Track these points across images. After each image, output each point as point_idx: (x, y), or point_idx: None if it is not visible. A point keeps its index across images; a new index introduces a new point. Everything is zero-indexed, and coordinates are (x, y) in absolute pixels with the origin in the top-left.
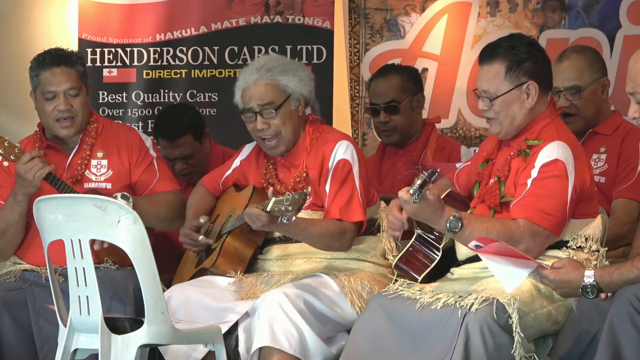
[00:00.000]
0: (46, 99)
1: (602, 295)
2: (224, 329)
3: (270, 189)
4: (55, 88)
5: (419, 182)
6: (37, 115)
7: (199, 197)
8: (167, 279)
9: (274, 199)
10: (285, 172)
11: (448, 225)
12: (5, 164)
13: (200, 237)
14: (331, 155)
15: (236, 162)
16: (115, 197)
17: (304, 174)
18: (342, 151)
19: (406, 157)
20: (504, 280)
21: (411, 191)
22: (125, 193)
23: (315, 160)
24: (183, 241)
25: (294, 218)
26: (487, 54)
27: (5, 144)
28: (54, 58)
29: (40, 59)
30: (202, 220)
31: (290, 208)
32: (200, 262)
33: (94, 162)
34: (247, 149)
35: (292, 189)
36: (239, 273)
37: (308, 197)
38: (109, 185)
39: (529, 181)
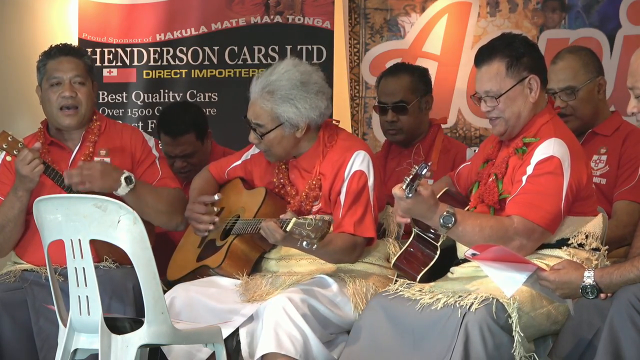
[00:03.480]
0: (51, 85)
1: (602, 296)
2: (229, 330)
3: (289, 211)
4: (62, 74)
5: (410, 176)
6: (38, 114)
7: (203, 181)
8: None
9: (294, 219)
10: (297, 174)
11: (442, 220)
12: (8, 158)
13: (215, 209)
14: (348, 165)
15: (246, 155)
16: (122, 174)
17: (318, 181)
18: (359, 162)
19: (411, 157)
20: (503, 285)
21: (403, 186)
22: (130, 176)
23: (330, 168)
24: (189, 216)
25: (315, 246)
26: (485, 55)
27: (9, 138)
28: (62, 49)
29: (48, 50)
30: (216, 197)
31: (312, 235)
32: (202, 257)
33: (96, 159)
34: None
35: (306, 196)
36: (244, 275)
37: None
38: None
39: (524, 178)
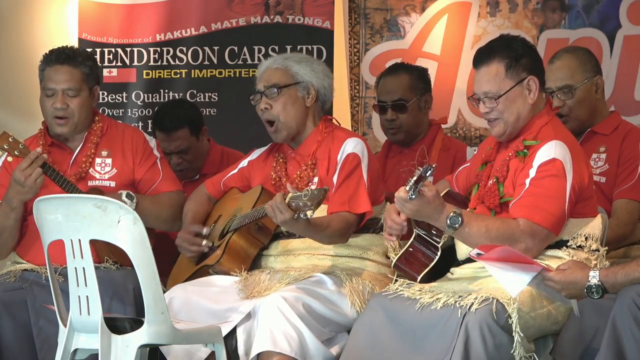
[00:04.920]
0: (46, 95)
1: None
2: (227, 329)
3: (288, 185)
4: (55, 85)
5: (414, 178)
6: (37, 114)
7: (196, 202)
8: (167, 279)
9: (291, 194)
10: (295, 165)
11: (448, 221)
12: (9, 159)
13: (204, 242)
14: (340, 149)
15: (243, 163)
16: (120, 195)
17: (310, 163)
18: (352, 146)
19: (411, 156)
20: (507, 285)
21: (407, 188)
22: (130, 192)
23: (325, 153)
24: (180, 245)
25: (310, 213)
26: (483, 56)
27: (10, 139)
28: (59, 56)
29: (48, 54)
30: (204, 232)
31: (309, 203)
32: (201, 259)
33: (98, 160)
34: (257, 152)
35: (299, 176)
36: (243, 271)
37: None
38: (112, 184)
39: (527, 181)
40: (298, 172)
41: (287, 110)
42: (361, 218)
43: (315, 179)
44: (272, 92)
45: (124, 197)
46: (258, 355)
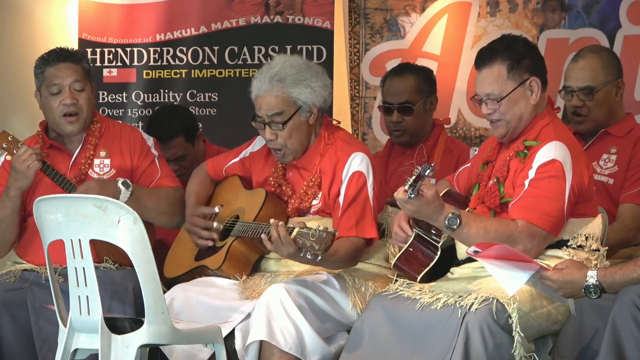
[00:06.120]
0: (52, 93)
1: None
2: (228, 329)
3: (294, 218)
4: (61, 81)
5: (413, 177)
6: (37, 114)
7: (199, 183)
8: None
9: (297, 229)
10: (295, 173)
11: (447, 222)
12: (9, 158)
13: (215, 224)
14: (345, 166)
15: (245, 152)
16: (117, 182)
17: (318, 179)
18: (358, 163)
19: (413, 157)
20: (505, 283)
21: (406, 187)
22: (126, 180)
23: (329, 166)
24: (189, 229)
25: (319, 258)
26: (485, 57)
27: (9, 138)
28: (59, 54)
29: (45, 56)
30: (217, 210)
31: (316, 247)
32: (201, 256)
33: (96, 161)
34: (260, 142)
35: (304, 193)
36: (243, 276)
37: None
38: None
39: (527, 182)
40: (303, 189)
41: (293, 137)
42: (369, 241)
43: (319, 194)
44: (277, 125)
45: (119, 185)
46: (260, 350)
